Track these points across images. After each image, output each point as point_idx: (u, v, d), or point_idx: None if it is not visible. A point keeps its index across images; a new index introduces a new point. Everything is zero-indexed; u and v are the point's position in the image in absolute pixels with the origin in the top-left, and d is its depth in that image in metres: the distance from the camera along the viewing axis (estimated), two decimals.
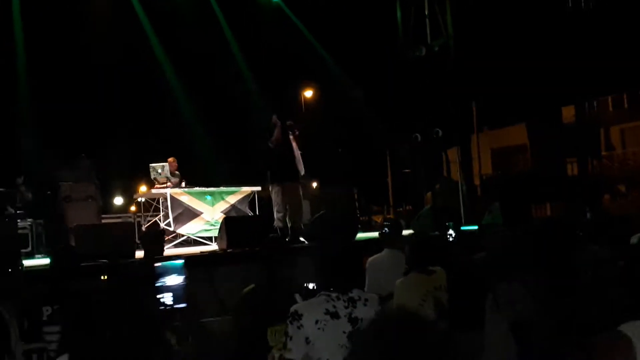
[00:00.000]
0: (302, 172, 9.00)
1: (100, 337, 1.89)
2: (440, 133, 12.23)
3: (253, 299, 4.03)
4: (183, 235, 10.44)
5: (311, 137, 11.33)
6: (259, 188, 10.93)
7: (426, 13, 12.84)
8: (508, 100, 19.00)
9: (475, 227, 8.28)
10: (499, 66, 15.09)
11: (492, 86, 15.84)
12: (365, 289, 4.56)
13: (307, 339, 2.83)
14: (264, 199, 10.61)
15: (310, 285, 3.78)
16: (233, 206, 10.77)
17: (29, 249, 9.28)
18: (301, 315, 2.86)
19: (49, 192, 10.48)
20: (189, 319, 4.61)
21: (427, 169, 13.55)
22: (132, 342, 1.90)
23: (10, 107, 13.55)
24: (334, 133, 18.11)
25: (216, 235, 9.38)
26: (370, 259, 5.70)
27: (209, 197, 10.68)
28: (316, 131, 15.32)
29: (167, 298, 4.67)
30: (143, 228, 10.60)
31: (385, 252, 5.69)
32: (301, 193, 9.13)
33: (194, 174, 12.01)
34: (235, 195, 10.91)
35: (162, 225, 10.38)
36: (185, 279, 4.90)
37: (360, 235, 9.19)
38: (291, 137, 8.86)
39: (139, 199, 11.61)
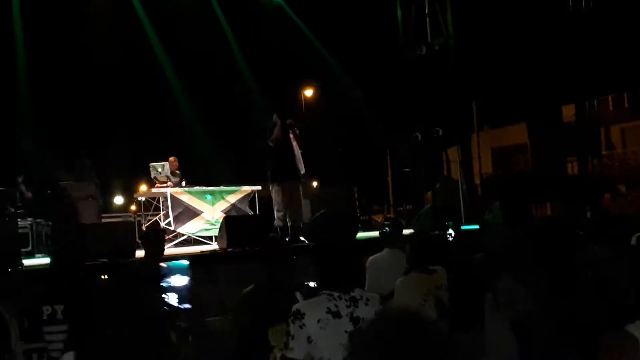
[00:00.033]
0: (303, 171, 8.99)
1: (102, 335, 1.90)
2: (441, 132, 12.22)
3: (253, 298, 4.03)
4: (183, 235, 10.45)
5: (311, 137, 11.34)
6: (259, 187, 10.92)
7: (426, 12, 12.84)
8: (508, 99, 18.97)
9: (476, 227, 8.29)
10: (499, 65, 15.06)
11: (492, 85, 15.82)
12: (366, 288, 4.56)
13: (309, 338, 2.83)
14: (264, 198, 10.61)
15: (311, 284, 3.78)
16: (233, 205, 10.77)
17: (29, 248, 9.28)
18: (303, 314, 2.86)
19: (49, 192, 10.49)
20: (191, 318, 4.61)
21: (427, 169, 13.55)
22: (134, 341, 1.90)
23: (11, 107, 13.56)
24: (334, 132, 18.13)
25: (216, 234, 9.38)
26: (370, 258, 5.70)
27: (209, 197, 10.68)
28: (316, 131, 15.32)
29: (171, 298, 4.67)
30: (143, 227, 10.60)
31: (385, 251, 5.70)
32: (301, 192, 9.12)
33: (194, 173, 12.01)
34: (235, 195, 10.91)
35: (163, 224, 10.37)
36: (190, 279, 4.91)
37: (361, 235, 9.20)
38: (291, 136, 8.85)
39: (139, 198, 11.62)
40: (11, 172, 10.95)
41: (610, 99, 26.74)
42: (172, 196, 10.39)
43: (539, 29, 14.57)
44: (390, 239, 5.78)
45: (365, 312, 2.89)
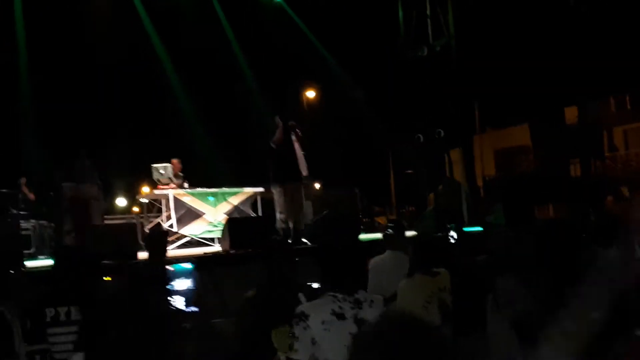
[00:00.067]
0: (305, 173, 8.98)
1: (107, 336, 1.90)
2: (443, 133, 12.21)
3: (256, 300, 4.02)
4: (186, 236, 10.44)
5: (313, 138, 11.34)
6: (261, 189, 10.91)
7: (428, 13, 12.84)
8: (510, 100, 18.98)
9: (478, 229, 8.28)
10: (501, 66, 15.08)
11: (494, 86, 15.83)
12: (368, 290, 4.55)
13: (313, 339, 2.83)
14: (267, 200, 10.60)
15: (314, 285, 3.77)
16: (236, 207, 10.76)
17: (32, 249, 9.29)
18: (308, 315, 2.86)
19: (51, 193, 10.49)
20: (197, 321, 4.61)
21: (429, 170, 13.54)
22: (138, 343, 1.90)
23: (12, 108, 13.58)
24: (336, 134, 18.13)
25: (219, 236, 9.36)
26: (372, 260, 5.68)
27: (211, 198, 10.67)
28: (318, 132, 15.32)
29: (177, 301, 4.66)
30: (146, 229, 10.59)
31: (387, 253, 5.68)
32: (303, 194, 9.12)
33: (196, 175, 12.01)
34: (237, 197, 10.91)
35: (165, 226, 10.36)
36: (195, 282, 4.90)
37: (364, 237, 9.19)
38: (293, 137, 8.85)
39: (142, 200, 11.61)
40: (14, 173, 10.96)
41: (612, 100, 26.72)
42: (174, 198, 10.38)
43: (541, 30, 14.58)
44: (392, 241, 5.77)
45: (370, 314, 2.88)
